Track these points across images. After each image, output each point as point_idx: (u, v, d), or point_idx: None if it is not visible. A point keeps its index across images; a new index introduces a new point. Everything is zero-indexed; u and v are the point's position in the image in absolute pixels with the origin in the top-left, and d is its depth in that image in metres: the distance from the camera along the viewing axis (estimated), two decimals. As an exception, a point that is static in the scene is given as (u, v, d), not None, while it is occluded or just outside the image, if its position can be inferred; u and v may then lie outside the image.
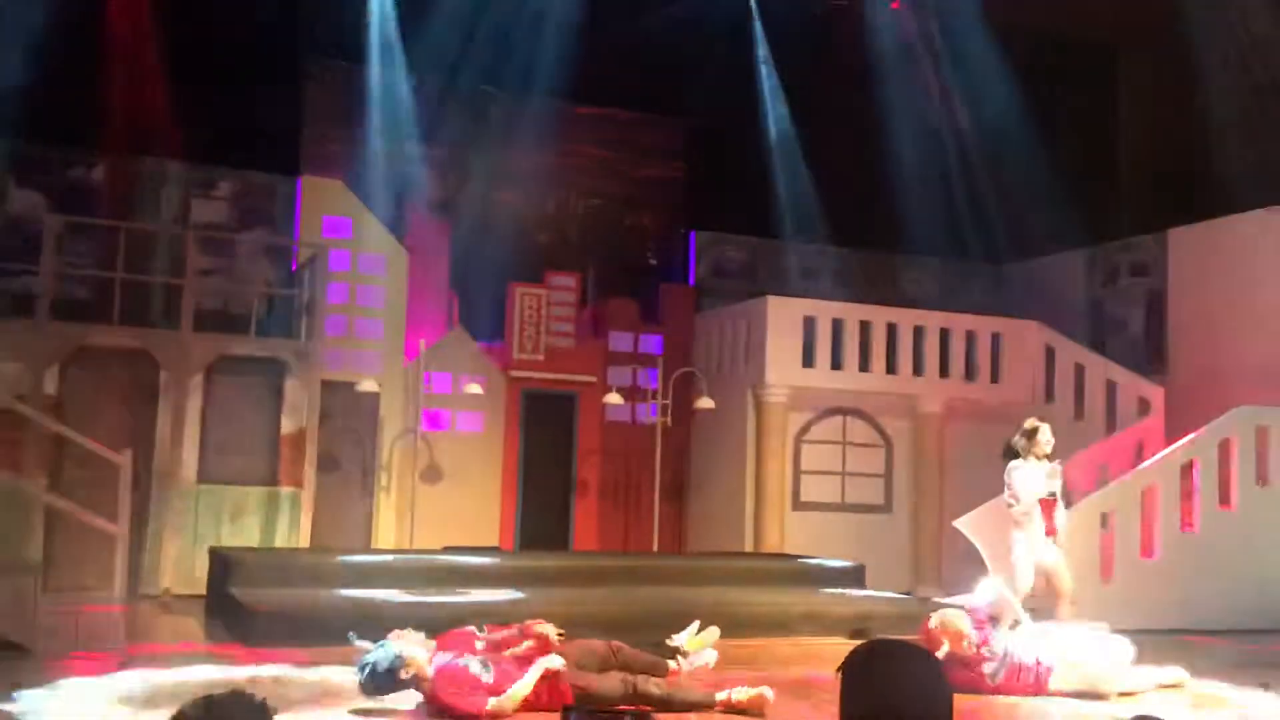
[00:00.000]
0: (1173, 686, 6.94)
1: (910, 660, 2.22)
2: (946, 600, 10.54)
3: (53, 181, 12.37)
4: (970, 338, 13.62)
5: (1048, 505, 8.45)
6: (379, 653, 5.32)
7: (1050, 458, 8.49)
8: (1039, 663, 6.67)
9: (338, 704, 5.61)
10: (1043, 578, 8.45)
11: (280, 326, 12.29)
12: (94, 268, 11.85)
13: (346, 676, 5.78)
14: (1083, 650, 6.82)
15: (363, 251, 12.70)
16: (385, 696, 5.37)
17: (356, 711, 5.45)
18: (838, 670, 2.21)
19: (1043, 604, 8.97)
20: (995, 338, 13.67)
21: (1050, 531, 8.40)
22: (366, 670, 5.30)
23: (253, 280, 12.24)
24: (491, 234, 13.98)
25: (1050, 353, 13.68)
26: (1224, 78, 13.37)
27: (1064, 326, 14.07)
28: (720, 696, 5.64)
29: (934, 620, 6.60)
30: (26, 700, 5.42)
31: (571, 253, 14.80)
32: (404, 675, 5.26)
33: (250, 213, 13.18)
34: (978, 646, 6.59)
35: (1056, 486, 8.46)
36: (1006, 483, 8.44)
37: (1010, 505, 8.41)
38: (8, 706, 5.31)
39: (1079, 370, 13.49)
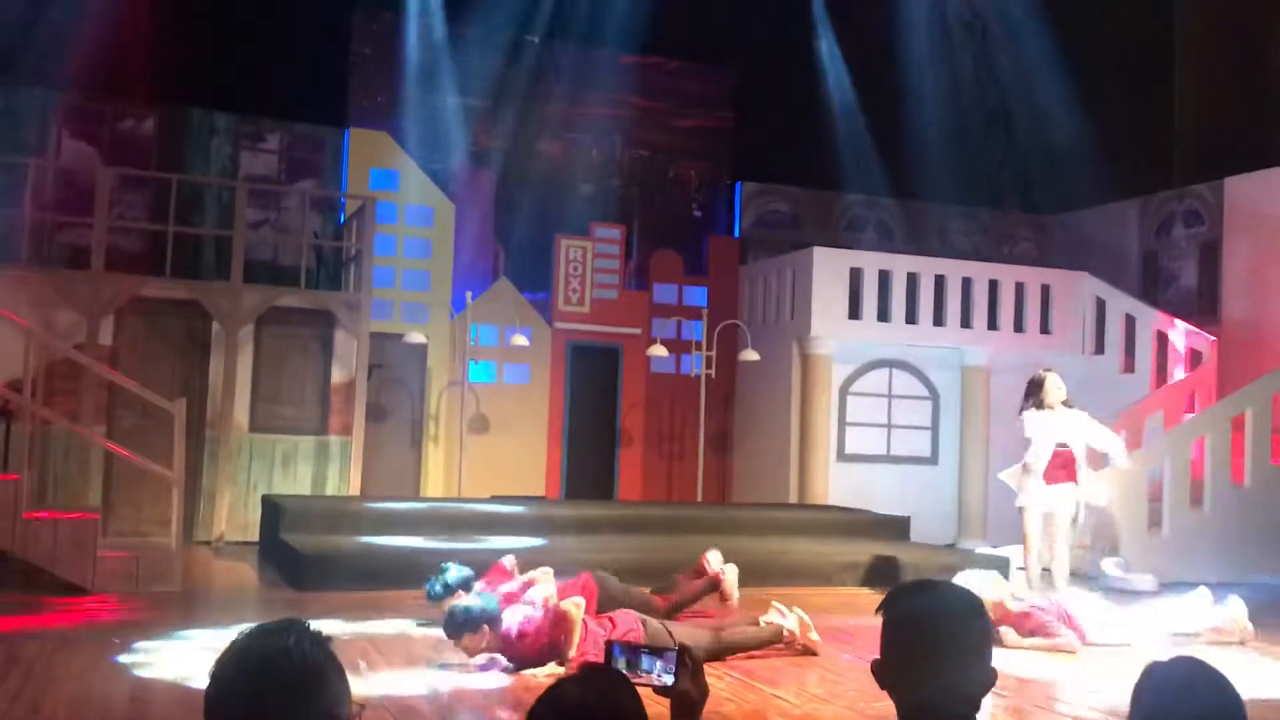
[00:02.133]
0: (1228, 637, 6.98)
1: (948, 593, 2.22)
2: (990, 551, 10.56)
3: (104, 134, 12.53)
4: (1020, 289, 13.46)
5: (1060, 455, 8.08)
6: (474, 600, 5.49)
7: (1068, 406, 8.21)
8: (1073, 619, 6.70)
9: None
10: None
11: (329, 278, 12.43)
12: (146, 220, 12.03)
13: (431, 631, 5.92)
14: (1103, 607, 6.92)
15: (409, 203, 12.77)
16: (461, 639, 5.44)
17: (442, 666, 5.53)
18: (878, 610, 2.23)
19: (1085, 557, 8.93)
20: (1045, 289, 13.51)
21: (1059, 479, 8.07)
22: (462, 613, 5.40)
23: (301, 232, 12.35)
24: (537, 185, 14.01)
25: (1100, 304, 13.52)
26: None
27: (1115, 278, 13.88)
28: (786, 627, 5.99)
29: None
30: (143, 653, 5.52)
31: (617, 204, 14.79)
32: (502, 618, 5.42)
33: (298, 165, 13.28)
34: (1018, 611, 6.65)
35: (1070, 436, 8.11)
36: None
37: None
38: (125, 658, 5.39)
39: (1129, 321, 13.32)
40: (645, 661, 2.41)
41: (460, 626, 5.44)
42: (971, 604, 2.18)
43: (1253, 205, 13.31)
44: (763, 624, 6.18)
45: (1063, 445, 8.07)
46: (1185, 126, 14.82)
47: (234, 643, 1.81)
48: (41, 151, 12.09)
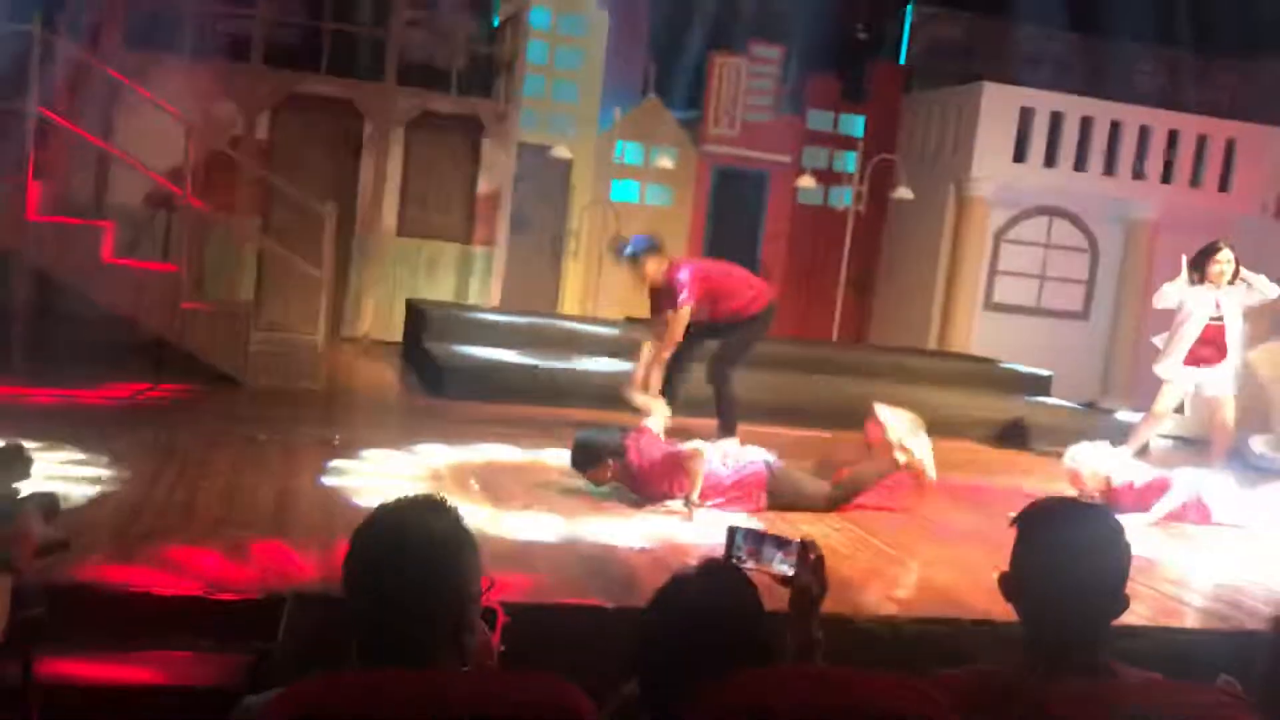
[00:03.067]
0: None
1: (1091, 520, 2.12)
2: (1131, 417, 10.18)
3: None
4: (1201, 142, 12.55)
5: (1212, 329, 7.50)
6: (598, 433, 5.65)
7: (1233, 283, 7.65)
8: (1200, 496, 6.40)
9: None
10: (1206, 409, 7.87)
11: (481, 84, 12.29)
12: (304, 15, 12.00)
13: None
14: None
15: (563, 11, 12.45)
16: (587, 471, 5.54)
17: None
18: (1013, 522, 2.14)
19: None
20: (1229, 143, 12.58)
21: (1203, 359, 7.70)
22: (587, 443, 5.52)
23: (456, 34, 12.18)
24: (695, -2, 13.47)
25: (1291, 164, 12.54)
26: None
27: (1313, 134, 12.81)
28: (900, 459, 5.83)
29: (1068, 459, 6.44)
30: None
31: (778, 21, 14.13)
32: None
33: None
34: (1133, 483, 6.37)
35: (1228, 309, 7.53)
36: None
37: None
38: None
39: (1322, 185, 12.36)
40: (767, 551, 2.38)
41: (588, 457, 5.52)
42: (1115, 538, 2.07)
43: None
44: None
45: (1217, 319, 7.59)
46: None
47: (376, 512, 1.89)
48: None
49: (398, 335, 10.71)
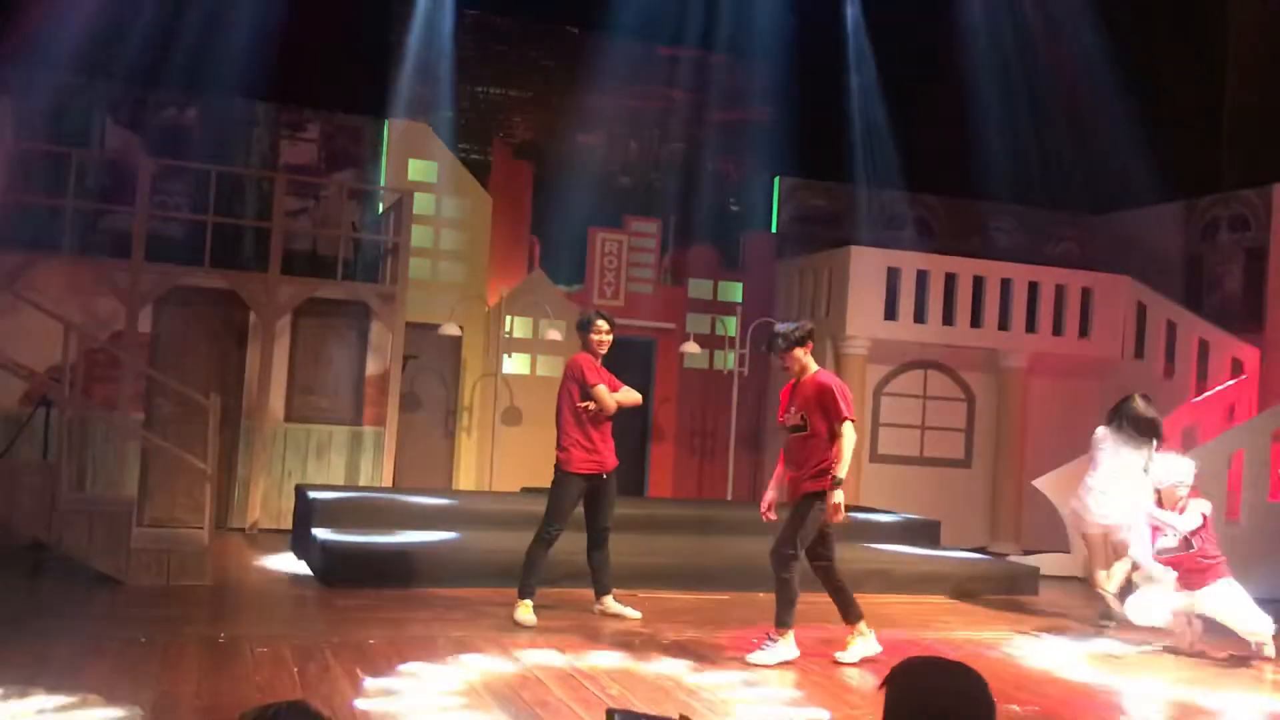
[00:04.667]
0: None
1: (957, 678, 2.22)
2: (1023, 560, 10.48)
3: (147, 122, 12.65)
4: (1059, 291, 13.31)
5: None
6: None
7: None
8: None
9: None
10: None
11: (366, 269, 12.50)
12: (187, 209, 12.15)
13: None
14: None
15: (447, 195, 12.82)
16: None
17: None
18: (881, 685, 2.23)
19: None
20: (1085, 292, 13.35)
21: None
22: None
23: (340, 223, 12.42)
24: (573, 178, 14.00)
25: (1141, 309, 13.33)
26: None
27: (1158, 280, 13.68)
28: None
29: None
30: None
31: (653, 197, 14.76)
32: None
33: (338, 155, 13.35)
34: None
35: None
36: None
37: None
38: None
39: (1171, 327, 13.13)
40: None
41: None
42: (980, 694, 2.17)
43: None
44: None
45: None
46: (1235, 130, 14.54)
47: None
48: (85, 140, 12.23)
49: (288, 523, 10.53)
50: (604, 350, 7.40)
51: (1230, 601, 7.14)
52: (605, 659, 6.11)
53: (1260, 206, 13.60)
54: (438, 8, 13.63)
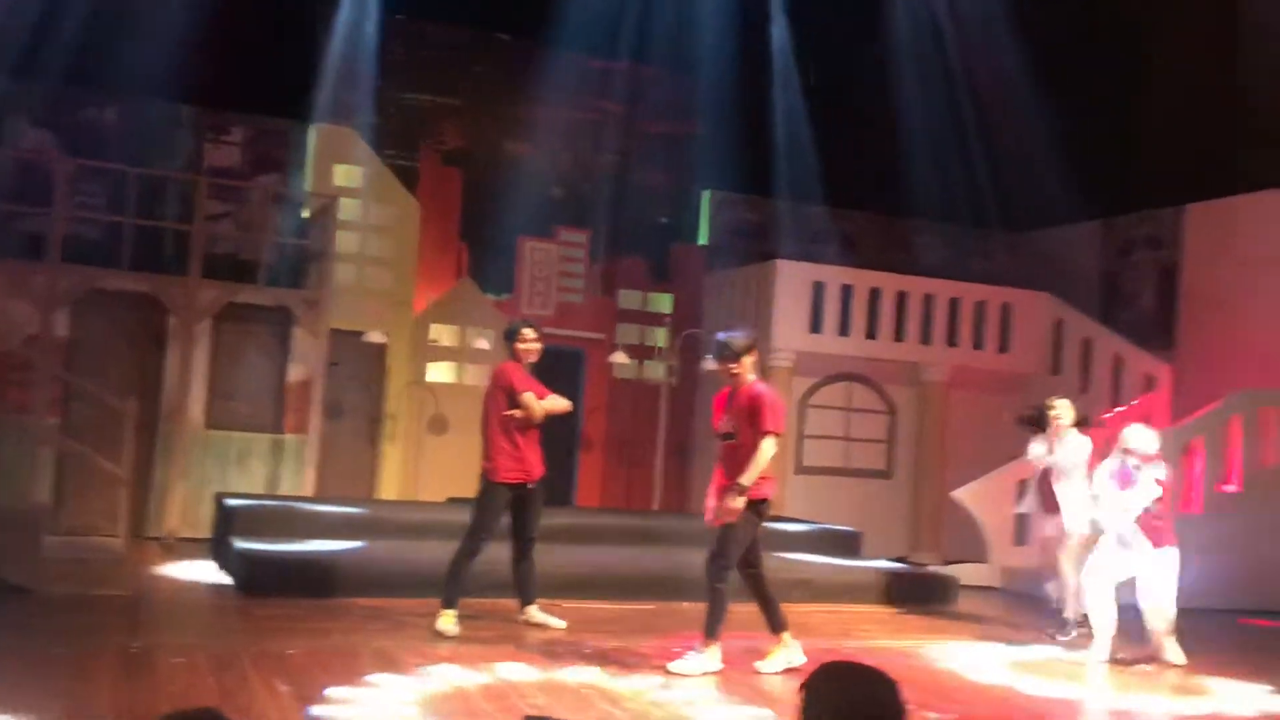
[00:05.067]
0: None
1: (871, 683, 2.26)
2: (942, 570, 10.66)
3: (65, 122, 12.35)
4: (980, 307, 13.58)
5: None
6: None
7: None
8: None
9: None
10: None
11: (290, 274, 12.32)
12: (105, 211, 11.88)
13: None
14: None
15: (374, 201, 12.69)
16: None
17: None
18: (800, 688, 2.26)
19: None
20: (1005, 308, 13.64)
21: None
22: None
23: (263, 228, 12.24)
24: (503, 186, 13.95)
25: (1059, 325, 13.65)
26: (1255, 52, 13.16)
27: (1075, 296, 14.01)
28: None
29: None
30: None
31: (583, 208, 14.75)
32: None
33: (262, 159, 13.15)
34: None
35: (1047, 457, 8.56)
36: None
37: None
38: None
39: (1087, 344, 13.46)
40: None
41: None
42: (892, 698, 2.21)
43: (1213, 233, 13.47)
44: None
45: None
46: (1151, 149, 14.94)
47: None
48: (-1, 139, 11.91)
49: (206, 532, 10.33)
50: (532, 359, 7.39)
51: (1163, 576, 7.35)
52: (528, 669, 6.09)
53: (1174, 226, 14.01)
54: (363, 13, 13.50)
